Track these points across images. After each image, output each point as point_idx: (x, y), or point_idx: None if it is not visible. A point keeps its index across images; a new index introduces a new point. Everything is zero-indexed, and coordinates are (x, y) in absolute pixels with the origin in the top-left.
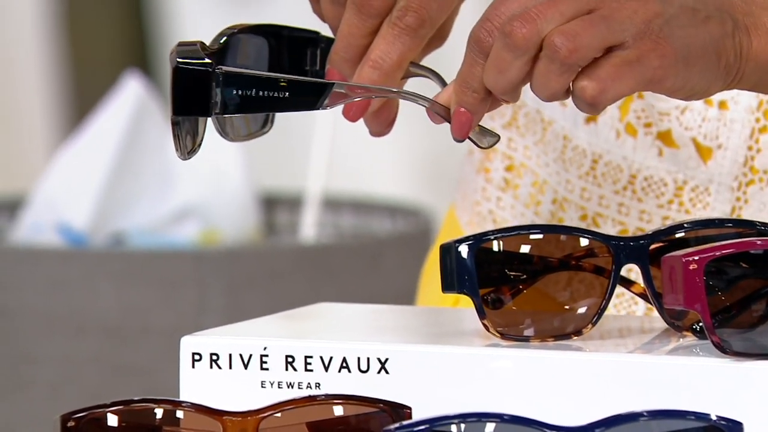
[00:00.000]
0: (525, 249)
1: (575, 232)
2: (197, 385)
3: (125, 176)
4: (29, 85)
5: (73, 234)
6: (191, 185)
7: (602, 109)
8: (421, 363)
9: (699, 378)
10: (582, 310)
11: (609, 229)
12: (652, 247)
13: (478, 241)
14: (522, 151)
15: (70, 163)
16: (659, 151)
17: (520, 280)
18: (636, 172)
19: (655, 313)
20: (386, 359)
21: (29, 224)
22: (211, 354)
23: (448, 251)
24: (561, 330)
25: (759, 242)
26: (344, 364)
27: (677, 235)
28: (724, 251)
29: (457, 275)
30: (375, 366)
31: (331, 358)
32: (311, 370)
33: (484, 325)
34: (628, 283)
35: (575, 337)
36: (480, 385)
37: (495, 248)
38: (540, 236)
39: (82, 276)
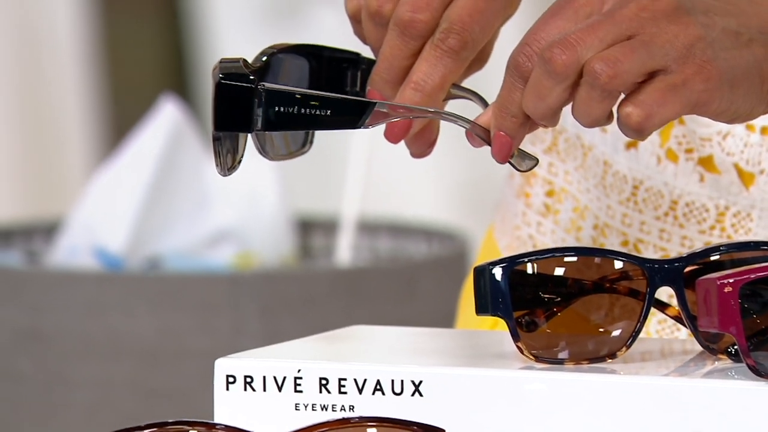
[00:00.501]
0: (559, 271)
1: (609, 254)
2: (231, 408)
3: (161, 200)
4: (67, 109)
5: (109, 257)
6: (227, 208)
7: (648, 135)
8: (455, 385)
9: (734, 401)
10: (617, 332)
11: (650, 255)
12: (687, 269)
13: (512, 263)
14: (563, 176)
15: (107, 187)
16: (701, 177)
17: (554, 303)
18: (677, 197)
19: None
20: (420, 382)
21: (65, 248)
22: (246, 376)
23: (482, 273)
24: (596, 353)
25: None
26: (378, 387)
27: (712, 258)
28: (759, 274)
29: (491, 297)
30: (409, 388)
31: (365, 380)
32: (345, 393)
33: (518, 347)
34: (662, 306)
35: (610, 360)
36: (514, 408)
37: (529, 270)
38: (574, 258)
39: (118, 299)
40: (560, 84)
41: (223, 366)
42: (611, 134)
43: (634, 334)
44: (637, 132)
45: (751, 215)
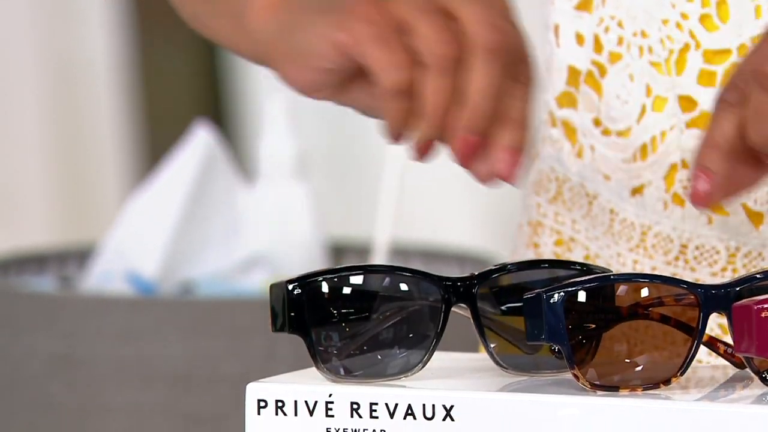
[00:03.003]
0: (613, 297)
1: (657, 279)
2: None
3: (194, 225)
4: (101, 135)
5: (142, 283)
6: (259, 234)
7: None
8: (486, 410)
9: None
10: (671, 359)
11: None
12: (739, 294)
13: (568, 291)
14: (570, 225)
15: (140, 213)
16: (709, 219)
17: (607, 329)
18: (687, 241)
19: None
20: (452, 406)
21: (99, 273)
22: (277, 401)
23: (537, 301)
24: (650, 379)
25: None
26: (409, 411)
27: (763, 282)
28: None
29: (546, 325)
30: (440, 413)
31: (396, 405)
32: (376, 417)
33: (574, 375)
34: (713, 342)
35: (663, 386)
36: None
37: (581, 297)
38: (628, 285)
39: (151, 325)
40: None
41: (254, 390)
42: (615, 182)
43: (689, 361)
44: None
45: (763, 254)
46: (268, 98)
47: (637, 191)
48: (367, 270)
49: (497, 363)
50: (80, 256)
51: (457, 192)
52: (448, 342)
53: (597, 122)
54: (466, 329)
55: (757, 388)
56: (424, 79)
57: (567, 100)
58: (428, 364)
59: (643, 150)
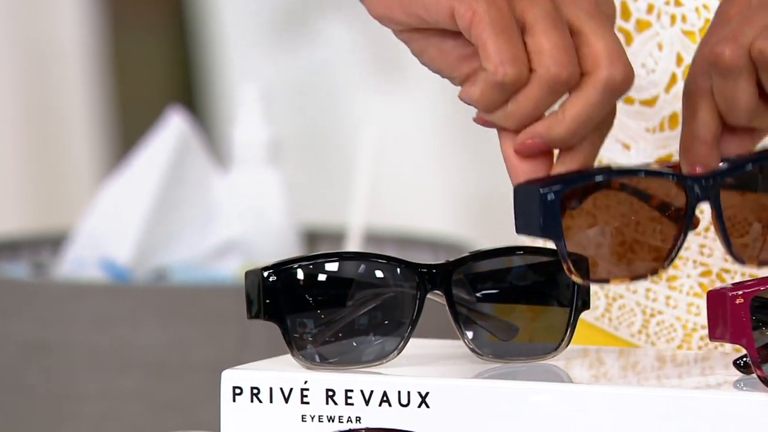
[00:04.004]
0: (606, 190)
1: (646, 173)
2: (238, 419)
3: (168, 212)
4: (74, 121)
5: (116, 269)
6: (233, 220)
7: None
8: (461, 397)
9: (743, 413)
10: (659, 249)
11: (690, 270)
12: (725, 183)
13: (565, 185)
14: None
15: (114, 199)
16: None
17: (601, 222)
18: None
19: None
20: (427, 393)
21: (72, 260)
22: (252, 388)
23: (527, 193)
24: (639, 271)
25: None
26: (385, 398)
27: (747, 170)
28: None
29: (539, 219)
30: (416, 400)
31: (371, 391)
32: (352, 404)
33: (567, 268)
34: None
35: (651, 276)
36: (521, 420)
37: (581, 192)
38: (618, 178)
39: (125, 311)
40: (739, 80)
41: (229, 377)
42: (636, 151)
43: (676, 250)
44: None
45: None
46: (241, 85)
47: (662, 160)
48: (342, 257)
49: (472, 350)
50: (54, 242)
51: (430, 179)
52: (423, 329)
53: None
54: (442, 316)
55: (733, 375)
56: (529, 86)
57: None
58: (403, 351)
59: (673, 119)
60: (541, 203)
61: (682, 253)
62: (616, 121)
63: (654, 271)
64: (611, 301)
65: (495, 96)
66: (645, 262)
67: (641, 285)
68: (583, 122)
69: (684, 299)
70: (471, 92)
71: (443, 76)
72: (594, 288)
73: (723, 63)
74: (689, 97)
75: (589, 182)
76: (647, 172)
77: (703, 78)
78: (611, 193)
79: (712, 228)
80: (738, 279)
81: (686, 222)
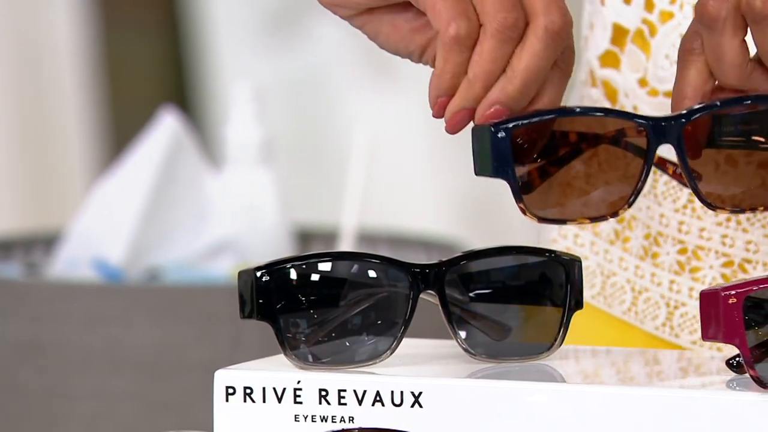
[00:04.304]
0: (562, 129)
1: (611, 113)
2: (231, 419)
3: (161, 211)
4: (66, 121)
5: (108, 269)
6: (226, 220)
7: None
8: (454, 397)
9: (737, 413)
10: (618, 190)
11: (712, 261)
12: (688, 126)
13: (516, 123)
14: None
15: (106, 199)
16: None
17: (556, 161)
18: None
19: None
20: (420, 393)
21: (65, 259)
22: (245, 387)
23: (481, 133)
24: (598, 212)
25: None
26: (378, 398)
27: (711, 113)
28: (762, 285)
29: (493, 160)
30: (409, 399)
31: (364, 391)
32: (345, 404)
33: (521, 208)
34: (663, 163)
35: (611, 218)
36: (515, 420)
37: (532, 132)
38: (577, 117)
39: (118, 311)
40: (724, 33)
41: (222, 377)
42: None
43: (636, 192)
44: None
45: None
46: (234, 84)
47: None
48: (335, 257)
49: (465, 350)
50: (46, 242)
51: (422, 179)
52: (416, 329)
53: (643, 83)
54: (435, 316)
55: (724, 374)
56: (480, 42)
57: (610, 59)
58: (396, 350)
59: None
60: (492, 141)
61: (704, 243)
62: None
63: (614, 213)
64: (637, 295)
65: (454, 57)
66: (604, 203)
67: (665, 277)
68: (533, 72)
69: None
70: (435, 79)
71: (402, 56)
72: (621, 282)
73: (707, 15)
74: (680, 57)
75: (544, 120)
76: (606, 111)
77: (694, 37)
78: (568, 132)
79: (734, 217)
80: (760, 270)
81: (647, 163)
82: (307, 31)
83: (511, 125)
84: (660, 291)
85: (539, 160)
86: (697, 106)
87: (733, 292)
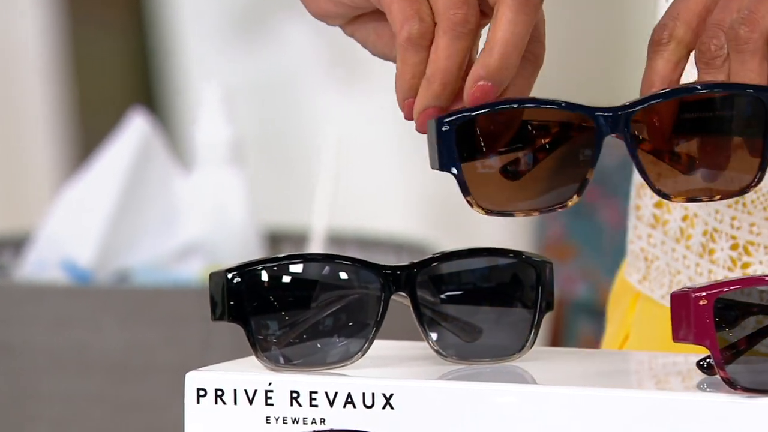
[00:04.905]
0: (510, 121)
1: (556, 105)
2: (202, 421)
3: (130, 213)
4: (34, 123)
5: (77, 271)
6: (196, 222)
7: None
8: (426, 398)
9: (708, 414)
10: (567, 182)
11: (762, 257)
12: (634, 117)
13: (460, 116)
14: None
15: (75, 201)
16: None
17: (503, 154)
18: None
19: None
20: (391, 395)
21: (34, 261)
22: (216, 389)
23: (430, 127)
24: (549, 204)
25: (767, 278)
26: (349, 400)
27: (654, 103)
28: (732, 287)
29: (439, 154)
30: (380, 401)
31: (336, 393)
32: (316, 406)
33: (468, 201)
34: None
35: (560, 209)
36: (485, 421)
37: (477, 125)
38: (528, 108)
39: (87, 313)
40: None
41: (193, 379)
42: None
43: (585, 181)
44: None
45: None
46: (202, 85)
47: None
48: (306, 259)
49: (437, 351)
50: (15, 244)
51: (393, 180)
52: (387, 330)
53: None
54: (406, 318)
55: (695, 375)
56: (434, 40)
57: None
58: (368, 352)
59: None
60: (437, 135)
61: (754, 239)
62: None
63: (563, 205)
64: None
65: (411, 58)
66: (552, 194)
67: (720, 273)
68: (510, 42)
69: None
70: (397, 81)
71: (391, 61)
72: (684, 280)
73: (744, 43)
74: (649, 48)
75: (488, 113)
76: (552, 103)
77: (663, 29)
78: (515, 124)
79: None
80: (762, 252)
81: (595, 155)
82: (274, 32)
83: (454, 118)
84: (688, 273)
85: (486, 153)
86: (643, 96)
87: (704, 294)
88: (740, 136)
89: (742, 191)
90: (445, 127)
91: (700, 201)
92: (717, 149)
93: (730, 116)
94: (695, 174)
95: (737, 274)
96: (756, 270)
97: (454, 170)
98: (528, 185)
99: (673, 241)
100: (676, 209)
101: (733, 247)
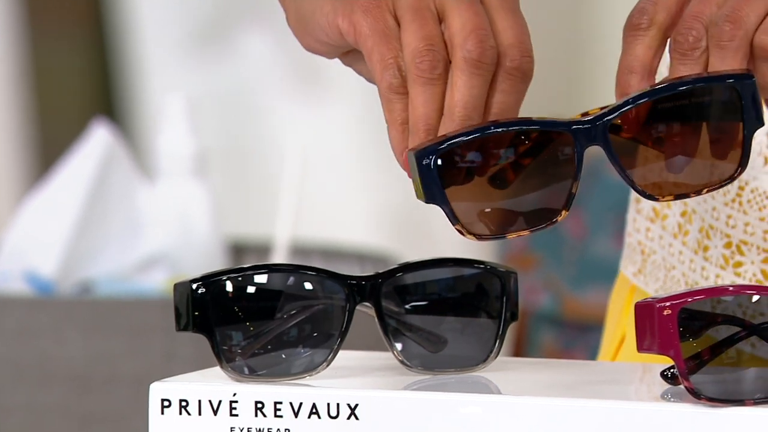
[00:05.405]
0: (488, 147)
1: (532, 124)
2: None
3: (93, 224)
4: None
5: (40, 282)
6: (159, 233)
7: None
8: (390, 409)
9: (672, 424)
10: (553, 199)
11: (753, 257)
12: (612, 125)
13: (438, 149)
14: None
15: (38, 212)
16: None
17: (487, 179)
18: None
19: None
20: (356, 405)
21: None
22: (181, 400)
23: (410, 161)
24: (534, 222)
25: (731, 289)
26: (314, 410)
27: (631, 111)
28: (696, 297)
29: (424, 186)
30: (345, 412)
31: (300, 403)
32: (281, 416)
33: (458, 230)
34: None
35: (549, 226)
36: (450, 431)
37: (457, 153)
38: (500, 134)
39: (50, 324)
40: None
41: (158, 390)
42: None
43: (571, 196)
44: None
45: None
46: (165, 96)
47: None
48: (272, 269)
49: (402, 362)
50: None
51: (356, 191)
52: (352, 341)
53: None
54: (371, 328)
55: (659, 385)
56: (410, 90)
57: None
58: (333, 362)
59: None
60: (419, 170)
61: (747, 238)
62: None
63: (553, 221)
64: (743, 185)
65: (395, 106)
66: (541, 211)
67: (712, 271)
68: (470, 106)
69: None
70: (390, 131)
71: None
72: (678, 276)
73: (725, 42)
74: (626, 32)
75: (465, 141)
76: (529, 122)
77: (641, 14)
78: (493, 149)
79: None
80: (754, 252)
81: (577, 168)
82: (235, 44)
83: (431, 150)
84: (707, 285)
85: (470, 180)
86: (617, 103)
87: (668, 304)
88: (718, 127)
89: (731, 179)
90: (425, 161)
91: (688, 197)
92: (697, 144)
93: (707, 110)
94: (679, 171)
95: (729, 272)
96: (747, 270)
97: (440, 202)
98: (516, 206)
99: (671, 236)
100: (676, 204)
101: (727, 246)
